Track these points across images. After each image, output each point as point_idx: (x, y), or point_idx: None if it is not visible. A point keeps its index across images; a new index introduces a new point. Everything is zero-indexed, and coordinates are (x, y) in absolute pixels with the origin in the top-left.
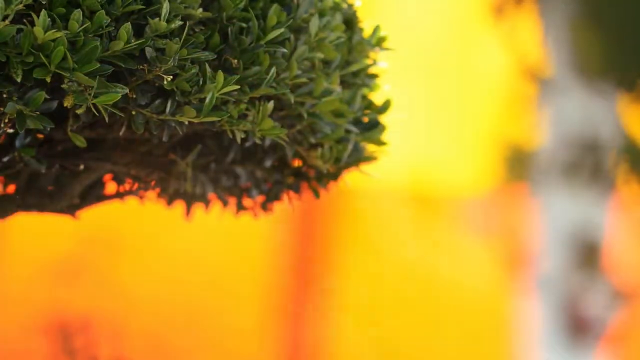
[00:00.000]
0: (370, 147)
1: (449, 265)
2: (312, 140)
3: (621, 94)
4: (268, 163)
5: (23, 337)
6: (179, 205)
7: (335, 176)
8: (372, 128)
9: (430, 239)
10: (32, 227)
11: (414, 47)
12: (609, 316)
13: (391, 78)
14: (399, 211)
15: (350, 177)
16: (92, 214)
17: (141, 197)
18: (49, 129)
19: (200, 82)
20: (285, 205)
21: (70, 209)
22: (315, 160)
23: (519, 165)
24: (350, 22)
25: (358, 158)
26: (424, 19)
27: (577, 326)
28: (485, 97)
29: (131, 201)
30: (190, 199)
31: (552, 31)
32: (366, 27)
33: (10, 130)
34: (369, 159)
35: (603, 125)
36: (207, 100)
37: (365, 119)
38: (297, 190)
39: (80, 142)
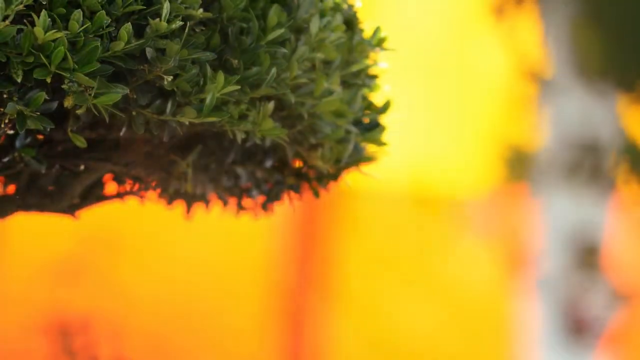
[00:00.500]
0: (370, 148)
1: (450, 265)
2: (313, 140)
3: (621, 94)
4: (268, 163)
5: (23, 337)
6: (180, 206)
7: (335, 176)
8: (372, 128)
9: (430, 239)
10: (32, 227)
11: (414, 48)
12: (609, 316)
13: (391, 78)
14: (400, 212)
15: (351, 178)
16: (92, 214)
17: (142, 198)
18: (49, 130)
19: (201, 83)
20: (286, 206)
21: (71, 209)
22: (316, 161)
23: (519, 165)
24: (350, 23)
25: (358, 158)
26: (424, 19)
27: (577, 326)
28: (485, 98)
29: (131, 201)
30: (190, 199)
31: (552, 31)
32: (366, 28)
33: (11, 131)
34: (369, 159)
35: (603, 126)
36: (208, 100)
37: (366, 120)
38: (297, 190)
39: (80, 142)
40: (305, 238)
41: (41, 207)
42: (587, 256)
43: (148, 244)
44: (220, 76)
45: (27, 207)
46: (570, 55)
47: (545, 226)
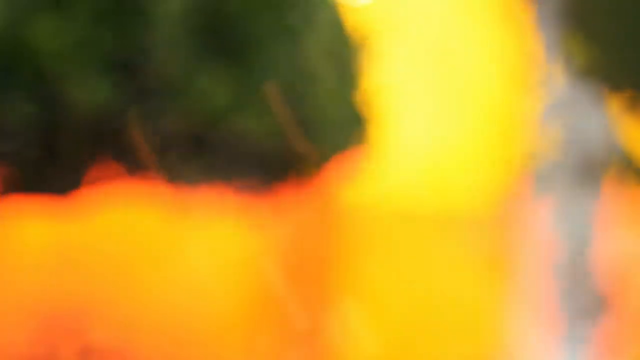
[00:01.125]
0: (365, 139)
1: (449, 275)
2: (310, 132)
3: (617, 99)
4: (267, 156)
5: (23, 330)
6: (179, 205)
7: (332, 166)
8: (367, 120)
9: (430, 250)
10: (32, 225)
11: (414, 48)
12: (602, 319)
13: (390, 76)
14: (400, 226)
15: (352, 194)
16: (94, 216)
17: (142, 193)
18: (51, 124)
19: (201, 81)
20: (287, 217)
21: (71, 202)
22: (314, 151)
23: (520, 172)
24: (350, 20)
25: (355, 148)
26: (424, 21)
27: (572, 328)
28: (485, 106)
29: (132, 204)
30: (190, 194)
31: (551, 35)
32: (366, 26)
33: (14, 125)
34: (365, 149)
35: (599, 132)
36: (208, 98)
37: (362, 112)
38: (296, 181)
39: (82, 139)
40: (308, 255)
41: (42, 196)
42: (583, 260)
43: (149, 245)
44: (220, 74)
45: (30, 195)
46: (569, 59)
47: (543, 231)
